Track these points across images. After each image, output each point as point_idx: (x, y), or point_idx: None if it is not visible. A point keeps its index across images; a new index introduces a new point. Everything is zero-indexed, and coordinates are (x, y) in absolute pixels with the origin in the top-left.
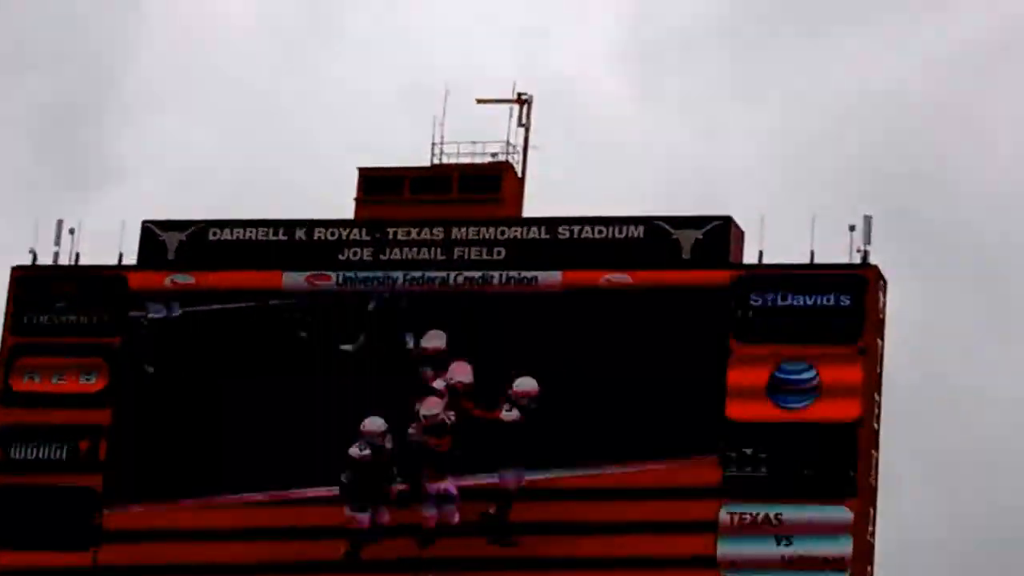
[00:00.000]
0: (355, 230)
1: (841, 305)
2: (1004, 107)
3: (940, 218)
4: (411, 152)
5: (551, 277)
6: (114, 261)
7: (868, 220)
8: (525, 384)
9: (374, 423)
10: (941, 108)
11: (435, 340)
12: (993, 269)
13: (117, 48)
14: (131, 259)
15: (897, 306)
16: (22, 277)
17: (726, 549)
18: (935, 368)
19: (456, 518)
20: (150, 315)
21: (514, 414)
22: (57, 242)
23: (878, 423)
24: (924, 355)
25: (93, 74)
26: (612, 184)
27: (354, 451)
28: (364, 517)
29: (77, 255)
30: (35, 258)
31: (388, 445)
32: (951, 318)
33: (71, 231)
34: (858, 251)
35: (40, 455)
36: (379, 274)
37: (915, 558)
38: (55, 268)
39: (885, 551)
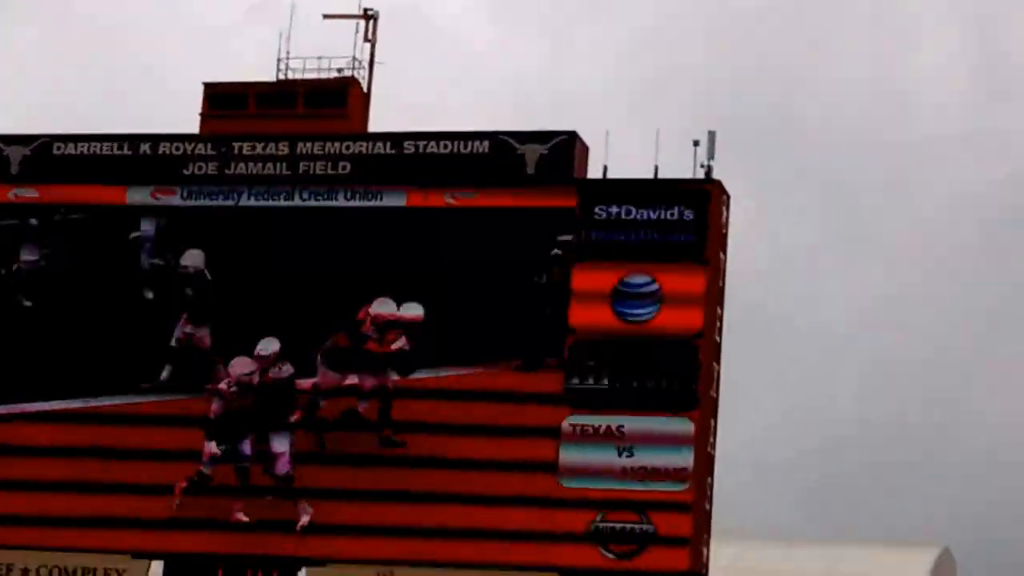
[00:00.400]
0: (200, 145)
1: (684, 219)
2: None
3: (785, 135)
4: (257, 68)
5: (396, 194)
6: None
7: (712, 136)
8: (413, 310)
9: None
10: (791, 23)
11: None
12: (838, 185)
13: None
14: None
15: (740, 221)
16: None
17: (567, 456)
18: (775, 282)
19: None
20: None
21: (402, 342)
22: None
23: (720, 336)
24: (764, 270)
25: None
26: (459, 101)
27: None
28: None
29: None
30: None
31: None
32: (793, 234)
33: None
34: (702, 166)
35: None
36: (224, 188)
37: (756, 470)
38: None
39: (724, 463)
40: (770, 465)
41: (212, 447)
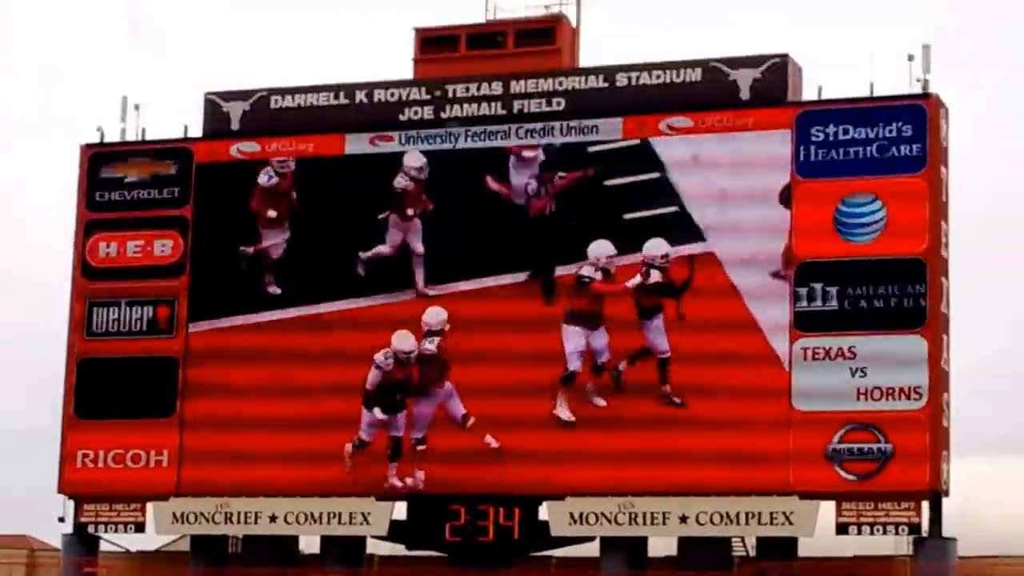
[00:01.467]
0: (414, 89)
1: (903, 136)
2: None
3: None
4: (466, 8)
5: (612, 125)
6: (180, 134)
7: (927, 49)
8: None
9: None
10: None
11: None
12: None
13: None
14: (196, 131)
15: (961, 133)
16: (93, 155)
17: (800, 380)
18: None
19: None
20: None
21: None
22: (123, 119)
23: (947, 252)
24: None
25: None
26: (667, 32)
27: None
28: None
29: (143, 130)
30: (103, 136)
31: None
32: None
33: (136, 107)
34: (917, 80)
35: (121, 326)
36: (441, 131)
37: (990, 384)
38: (123, 144)
39: (959, 379)
40: (1011, 376)
41: (376, 413)
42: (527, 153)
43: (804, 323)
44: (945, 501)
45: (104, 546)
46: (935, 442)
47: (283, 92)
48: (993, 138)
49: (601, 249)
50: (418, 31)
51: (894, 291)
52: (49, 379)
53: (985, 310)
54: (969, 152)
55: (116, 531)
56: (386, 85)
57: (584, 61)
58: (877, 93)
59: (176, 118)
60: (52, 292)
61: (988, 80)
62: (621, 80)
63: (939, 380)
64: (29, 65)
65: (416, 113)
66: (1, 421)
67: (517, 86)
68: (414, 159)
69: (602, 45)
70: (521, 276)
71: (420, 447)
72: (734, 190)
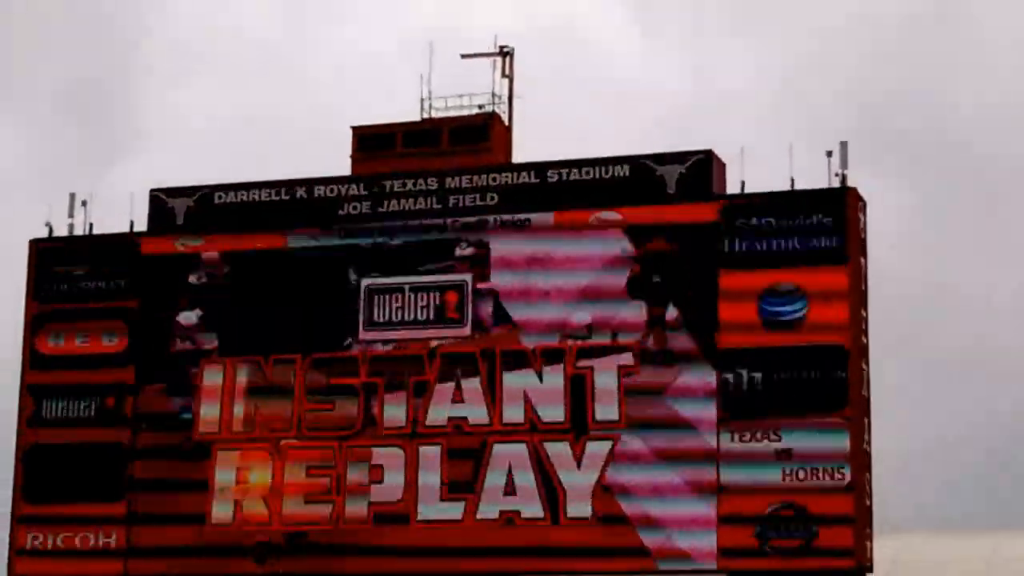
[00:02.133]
0: (353, 186)
1: (824, 226)
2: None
3: (920, 135)
4: (402, 108)
5: (544, 218)
6: (126, 229)
7: (844, 145)
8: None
9: None
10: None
11: None
12: (982, 178)
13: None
14: (142, 226)
15: (879, 223)
16: (41, 249)
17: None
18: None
19: None
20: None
21: None
22: (71, 214)
23: (866, 337)
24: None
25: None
26: (597, 125)
27: None
28: None
29: (91, 225)
30: (51, 231)
31: None
32: (933, 230)
33: (83, 203)
34: (836, 175)
35: (70, 412)
36: (379, 224)
37: (913, 466)
38: (71, 239)
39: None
40: (922, 454)
41: None
42: None
43: (730, 407)
44: None
45: None
46: (859, 517)
47: (226, 188)
48: (911, 228)
49: None
50: (355, 129)
51: (817, 376)
52: None
53: (906, 394)
54: (886, 243)
55: None
56: (326, 181)
57: (517, 157)
58: (798, 187)
59: (123, 212)
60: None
61: (905, 173)
62: (552, 176)
63: (861, 460)
64: None
65: (355, 208)
66: None
67: (452, 182)
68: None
69: (536, 140)
70: None
71: None
72: None
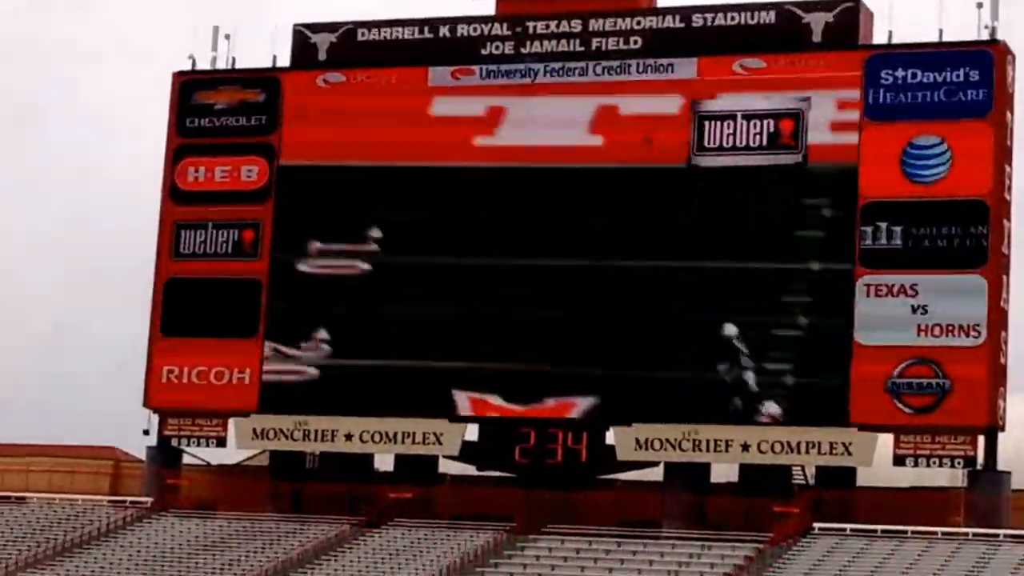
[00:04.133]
0: (496, 25)
1: (970, 79)
2: None
3: None
4: None
5: (687, 64)
6: (269, 64)
7: None
8: None
9: None
10: None
11: None
12: None
13: None
14: (284, 62)
15: None
16: (184, 82)
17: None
18: None
19: None
20: None
21: None
22: (214, 48)
23: (1009, 195)
24: None
25: None
26: None
27: None
28: None
29: (233, 59)
30: (194, 63)
31: None
32: None
33: (227, 36)
34: (986, 27)
35: (208, 248)
36: (520, 66)
37: None
38: (214, 72)
39: (1018, 318)
40: None
41: None
42: None
43: (868, 260)
44: (1001, 436)
45: (186, 459)
46: (992, 378)
47: (369, 25)
48: None
49: None
50: None
51: (957, 231)
52: (137, 298)
53: None
54: None
55: (198, 445)
56: (468, 20)
57: (662, 1)
58: (946, 39)
59: (265, 48)
60: (142, 214)
61: None
62: (697, 21)
63: (998, 318)
64: None
65: (497, 48)
66: (91, 337)
67: (596, 24)
68: None
69: None
70: None
71: None
72: None
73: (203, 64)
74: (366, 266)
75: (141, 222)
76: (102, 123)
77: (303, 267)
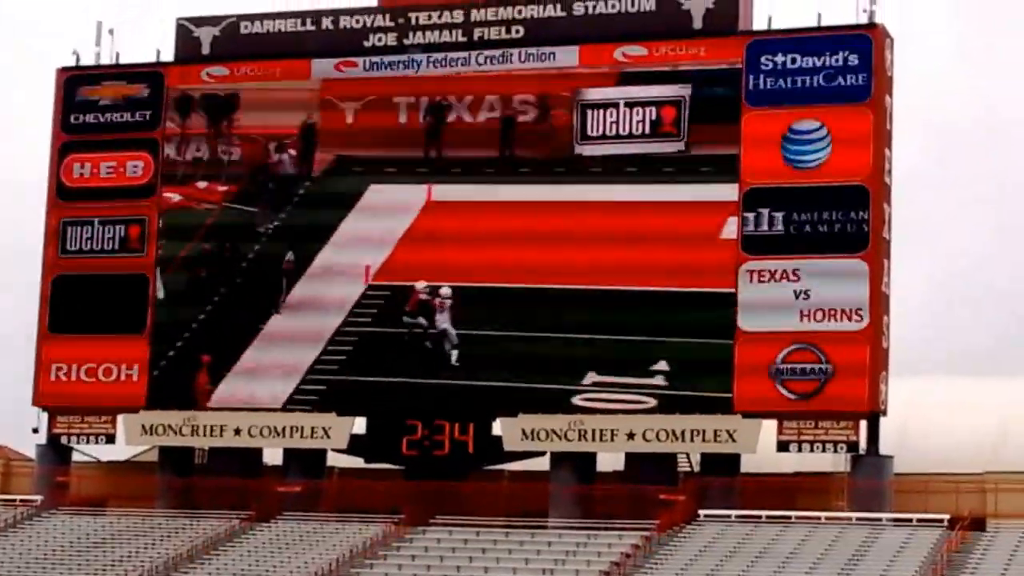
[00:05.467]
0: (379, 16)
1: (849, 65)
2: None
3: None
4: None
5: (569, 52)
6: (152, 59)
7: None
8: None
9: None
10: None
11: None
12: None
13: None
14: (168, 56)
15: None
16: (69, 78)
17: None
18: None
19: None
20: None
21: None
22: (98, 43)
23: (890, 179)
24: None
25: None
26: None
27: None
28: None
29: (117, 54)
30: (78, 59)
31: None
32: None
33: (110, 31)
34: (864, 11)
35: (94, 245)
36: (403, 58)
37: (928, 307)
38: (98, 68)
39: (899, 302)
40: (950, 300)
41: None
42: None
43: (751, 246)
44: (883, 420)
45: (76, 456)
46: (874, 362)
47: (251, 18)
48: (937, 66)
49: None
50: None
51: (838, 216)
52: (24, 294)
53: (926, 236)
54: (913, 80)
55: (88, 442)
56: (351, 12)
57: None
58: (825, 23)
59: (149, 43)
60: (27, 210)
61: (933, 9)
62: (578, 9)
63: (879, 302)
64: None
65: (380, 40)
66: None
67: (478, 14)
68: None
69: None
70: None
71: None
72: None
73: (87, 60)
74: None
75: (27, 221)
76: None
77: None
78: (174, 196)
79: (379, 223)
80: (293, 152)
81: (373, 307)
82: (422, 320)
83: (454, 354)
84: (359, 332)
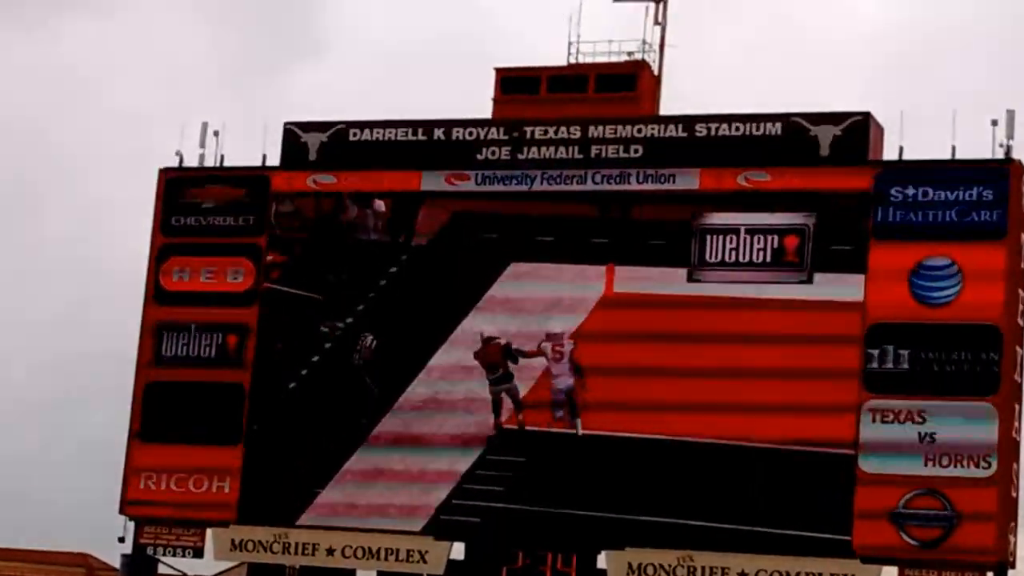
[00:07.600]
0: (493, 129)
1: (984, 200)
2: None
3: None
4: (548, 52)
5: (689, 175)
6: (258, 162)
7: (1011, 114)
8: None
9: None
10: None
11: None
12: None
13: None
14: (274, 160)
15: None
16: (171, 179)
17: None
18: None
19: None
20: None
21: None
22: (202, 144)
23: (1023, 320)
24: None
25: None
26: (749, 81)
27: None
28: None
29: (222, 157)
30: (182, 160)
31: None
32: None
33: (215, 133)
34: (1000, 146)
35: (190, 352)
36: (517, 173)
37: None
38: (201, 170)
39: None
40: None
41: None
42: None
43: (874, 384)
44: (1011, 573)
45: (162, 568)
46: (1003, 511)
47: (361, 125)
48: None
49: None
50: (499, 71)
51: (967, 357)
52: (117, 399)
53: None
54: None
55: (174, 555)
56: (464, 124)
57: (664, 110)
58: (959, 156)
59: (254, 146)
60: (124, 314)
61: None
62: (700, 130)
63: (1009, 448)
64: (112, 90)
65: (493, 153)
66: (67, 438)
67: (595, 131)
68: None
69: (683, 95)
70: None
71: None
72: None
73: (191, 161)
74: None
75: (121, 323)
76: (90, 219)
77: None
78: None
79: None
80: None
81: None
82: None
83: None
84: None
